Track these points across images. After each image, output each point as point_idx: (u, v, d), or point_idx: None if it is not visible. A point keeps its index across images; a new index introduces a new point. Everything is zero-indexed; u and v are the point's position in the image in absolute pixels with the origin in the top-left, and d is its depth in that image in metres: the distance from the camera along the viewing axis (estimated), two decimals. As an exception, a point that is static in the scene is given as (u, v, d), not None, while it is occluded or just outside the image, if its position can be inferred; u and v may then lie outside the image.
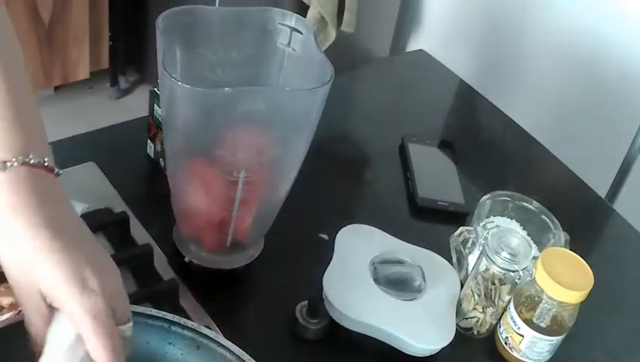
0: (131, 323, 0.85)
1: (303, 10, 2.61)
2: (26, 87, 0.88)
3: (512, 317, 1.17)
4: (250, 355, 0.95)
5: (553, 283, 1.10)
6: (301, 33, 1.14)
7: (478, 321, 1.21)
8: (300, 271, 1.26)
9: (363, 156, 1.58)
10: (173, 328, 0.97)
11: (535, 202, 1.33)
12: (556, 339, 1.16)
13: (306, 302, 1.17)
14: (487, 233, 1.23)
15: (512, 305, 1.17)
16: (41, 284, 0.78)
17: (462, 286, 1.23)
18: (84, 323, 0.78)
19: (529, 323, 1.15)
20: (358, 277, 1.20)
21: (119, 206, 1.28)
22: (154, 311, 0.97)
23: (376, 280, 1.19)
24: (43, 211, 0.80)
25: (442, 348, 1.16)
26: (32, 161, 0.81)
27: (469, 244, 1.28)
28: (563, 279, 1.11)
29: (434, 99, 1.78)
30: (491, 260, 1.15)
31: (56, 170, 0.85)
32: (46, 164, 0.83)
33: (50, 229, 0.79)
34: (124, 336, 0.83)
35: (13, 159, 0.80)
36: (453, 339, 1.16)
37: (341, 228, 1.27)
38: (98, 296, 0.78)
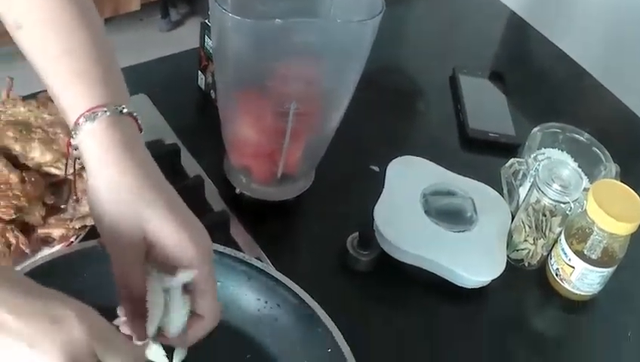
0: None
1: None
2: (111, 48, 0.88)
3: (562, 249, 1.15)
4: (301, 287, 0.95)
5: (604, 214, 1.08)
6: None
7: (528, 253, 1.19)
8: (350, 203, 1.24)
9: (414, 88, 1.55)
10: (224, 260, 0.97)
11: (586, 134, 1.30)
12: (607, 271, 1.14)
13: (357, 233, 1.16)
14: (538, 165, 1.21)
15: (562, 236, 1.15)
16: (148, 234, 0.77)
17: (513, 218, 1.21)
18: (201, 265, 0.78)
19: (580, 254, 1.12)
20: (408, 208, 1.18)
21: (170, 137, 1.27)
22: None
23: (427, 212, 1.18)
24: (136, 160, 0.80)
25: (493, 280, 1.14)
26: (124, 111, 0.81)
27: (519, 176, 1.26)
28: (614, 211, 1.08)
29: (484, 31, 1.74)
30: (542, 192, 1.13)
31: (140, 123, 0.85)
32: (135, 114, 0.83)
33: (148, 178, 0.79)
34: None
35: (105, 109, 0.80)
36: (503, 271, 1.14)
37: (392, 159, 1.25)
38: (208, 240, 0.80)
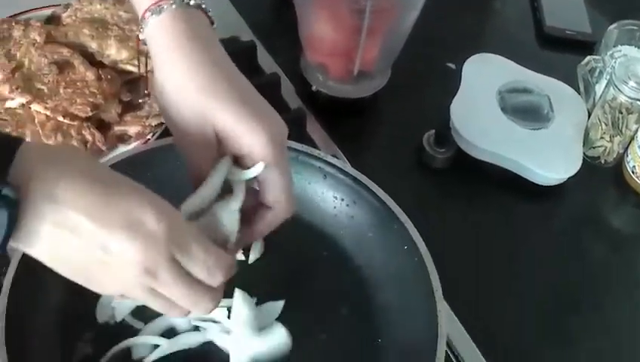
0: None
1: None
2: None
3: (639, 146, 1.13)
4: (377, 184, 0.94)
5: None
6: None
7: (605, 150, 1.17)
8: (426, 101, 1.23)
9: (491, -16, 1.51)
10: (300, 157, 0.97)
11: (664, 30, 1.26)
12: (684, 169, 1.12)
13: (433, 131, 1.15)
14: (615, 62, 1.18)
15: (639, 133, 1.13)
16: (218, 126, 0.75)
17: (589, 116, 1.19)
18: (273, 154, 0.76)
19: (657, 152, 1.11)
20: (485, 106, 1.17)
21: (246, 35, 1.26)
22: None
23: (504, 109, 1.16)
24: (205, 53, 0.77)
25: (569, 178, 1.13)
26: (191, 3, 0.79)
27: (596, 73, 1.23)
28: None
29: None
30: (618, 89, 1.10)
31: (211, 16, 0.82)
32: (204, 6, 0.80)
33: (217, 71, 0.77)
34: None
35: (171, 2, 0.78)
36: (579, 169, 1.13)
37: (468, 57, 1.23)
38: (281, 130, 0.78)
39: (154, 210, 0.66)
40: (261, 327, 0.86)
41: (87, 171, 0.66)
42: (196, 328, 0.88)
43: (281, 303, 0.91)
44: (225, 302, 0.88)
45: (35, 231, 0.63)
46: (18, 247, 0.64)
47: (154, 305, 0.70)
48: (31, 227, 0.63)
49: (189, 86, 0.75)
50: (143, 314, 0.88)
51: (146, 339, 0.87)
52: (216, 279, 0.70)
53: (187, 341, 0.87)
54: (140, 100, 1.10)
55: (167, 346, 0.86)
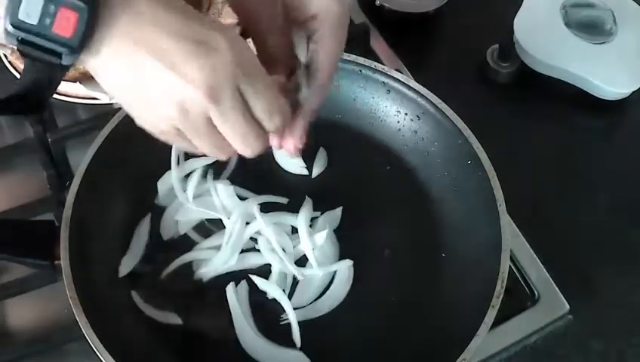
0: None
1: None
2: None
3: None
4: (441, 99, 0.92)
5: None
6: None
7: (671, 65, 1.13)
8: (490, 15, 1.19)
9: None
10: (364, 71, 0.95)
11: None
12: None
13: (497, 45, 1.12)
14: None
15: None
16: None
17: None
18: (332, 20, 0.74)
19: None
20: (548, 20, 1.13)
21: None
22: (345, 55, 0.93)
23: (567, 24, 1.12)
24: None
25: (633, 92, 1.09)
26: None
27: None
28: None
29: None
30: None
31: None
32: None
33: None
34: None
35: None
36: (644, 83, 1.09)
37: (533, -30, 1.18)
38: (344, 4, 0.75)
39: (227, 36, 0.63)
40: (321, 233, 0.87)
41: None
42: (257, 250, 0.88)
43: (339, 210, 0.91)
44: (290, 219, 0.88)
45: (108, 36, 0.61)
46: (84, 56, 0.62)
47: (204, 140, 0.67)
48: (105, 32, 0.61)
49: None
50: (205, 229, 0.89)
51: (207, 254, 0.87)
52: (274, 122, 0.68)
53: (249, 261, 0.87)
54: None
55: (227, 264, 0.86)
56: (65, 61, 0.61)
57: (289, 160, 0.94)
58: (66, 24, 0.59)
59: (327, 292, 0.85)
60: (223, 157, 0.71)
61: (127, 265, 0.86)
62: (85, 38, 0.60)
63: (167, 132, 0.66)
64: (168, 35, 0.61)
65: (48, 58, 0.61)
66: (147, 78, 0.63)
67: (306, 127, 0.75)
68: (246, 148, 0.68)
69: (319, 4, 0.73)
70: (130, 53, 0.61)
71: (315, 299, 0.85)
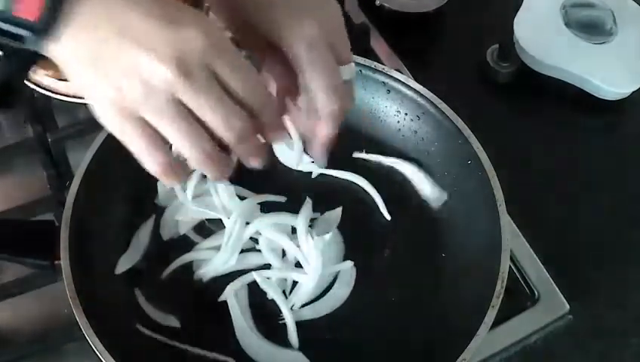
0: (352, 65, 0.74)
1: None
2: None
3: None
4: (441, 99, 0.92)
5: None
6: None
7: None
8: (490, 15, 1.19)
9: None
10: (364, 72, 0.94)
11: None
12: None
13: (497, 45, 1.12)
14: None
15: None
16: (262, 23, 0.70)
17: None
18: (299, 50, 0.69)
19: None
20: (548, 20, 1.12)
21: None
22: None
23: (567, 24, 1.12)
24: None
25: (633, 92, 1.09)
26: None
27: (661, -14, 1.18)
28: None
29: None
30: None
31: None
32: None
33: None
34: (344, 79, 0.72)
35: None
36: (644, 83, 1.08)
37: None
38: (313, 27, 0.69)
39: (199, 17, 0.61)
40: (323, 233, 0.86)
41: None
42: (257, 250, 0.87)
43: (339, 210, 0.90)
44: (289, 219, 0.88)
45: (73, 16, 0.59)
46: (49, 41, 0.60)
47: (173, 126, 0.62)
48: (71, 11, 0.59)
49: None
50: (205, 229, 0.89)
51: (207, 254, 0.87)
52: (257, 101, 0.64)
53: (248, 261, 0.87)
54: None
55: (227, 264, 0.86)
56: (29, 45, 0.59)
57: (291, 157, 0.93)
58: (30, 6, 0.57)
59: (329, 293, 0.85)
60: (200, 145, 0.64)
61: (124, 263, 0.86)
62: (50, 21, 0.58)
63: (130, 128, 0.63)
64: (137, 13, 0.59)
65: (13, 44, 0.59)
66: (110, 54, 0.60)
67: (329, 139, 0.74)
68: (230, 131, 0.63)
69: (283, 32, 0.69)
70: (95, 29, 0.59)
71: (316, 300, 0.85)
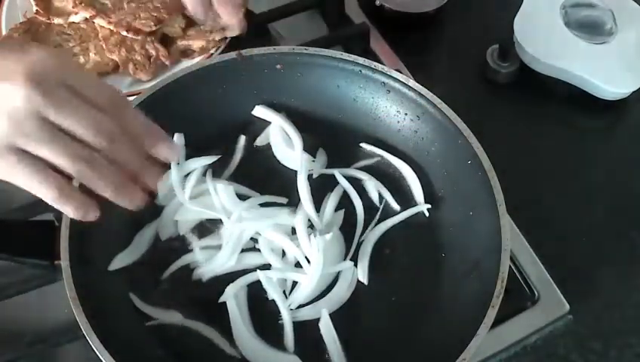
0: None
1: None
2: None
3: None
4: (441, 99, 0.91)
5: None
6: None
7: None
8: (490, 15, 1.19)
9: None
10: (363, 72, 0.94)
11: None
12: None
13: (497, 45, 1.12)
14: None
15: None
16: None
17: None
18: None
19: None
20: (548, 20, 1.12)
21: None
22: (345, 55, 0.93)
23: (567, 24, 1.12)
24: None
25: (633, 91, 1.09)
26: None
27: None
28: None
29: None
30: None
31: None
32: None
33: None
34: None
35: None
36: (644, 82, 1.08)
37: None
38: None
39: (44, 47, 0.64)
40: (324, 233, 0.86)
41: None
42: (257, 250, 0.87)
43: (341, 213, 0.90)
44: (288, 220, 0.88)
45: None
46: None
47: (52, 146, 0.65)
48: None
49: None
50: (205, 229, 0.89)
51: (207, 255, 0.86)
52: (113, 100, 0.68)
53: (248, 261, 0.86)
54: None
55: (227, 264, 0.85)
56: None
57: (291, 157, 0.93)
58: None
59: (330, 293, 0.85)
60: (89, 170, 0.69)
61: (120, 260, 0.85)
62: None
63: (12, 162, 0.64)
64: None
65: None
66: None
67: None
68: (100, 135, 0.67)
69: None
70: None
71: (316, 300, 0.84)
